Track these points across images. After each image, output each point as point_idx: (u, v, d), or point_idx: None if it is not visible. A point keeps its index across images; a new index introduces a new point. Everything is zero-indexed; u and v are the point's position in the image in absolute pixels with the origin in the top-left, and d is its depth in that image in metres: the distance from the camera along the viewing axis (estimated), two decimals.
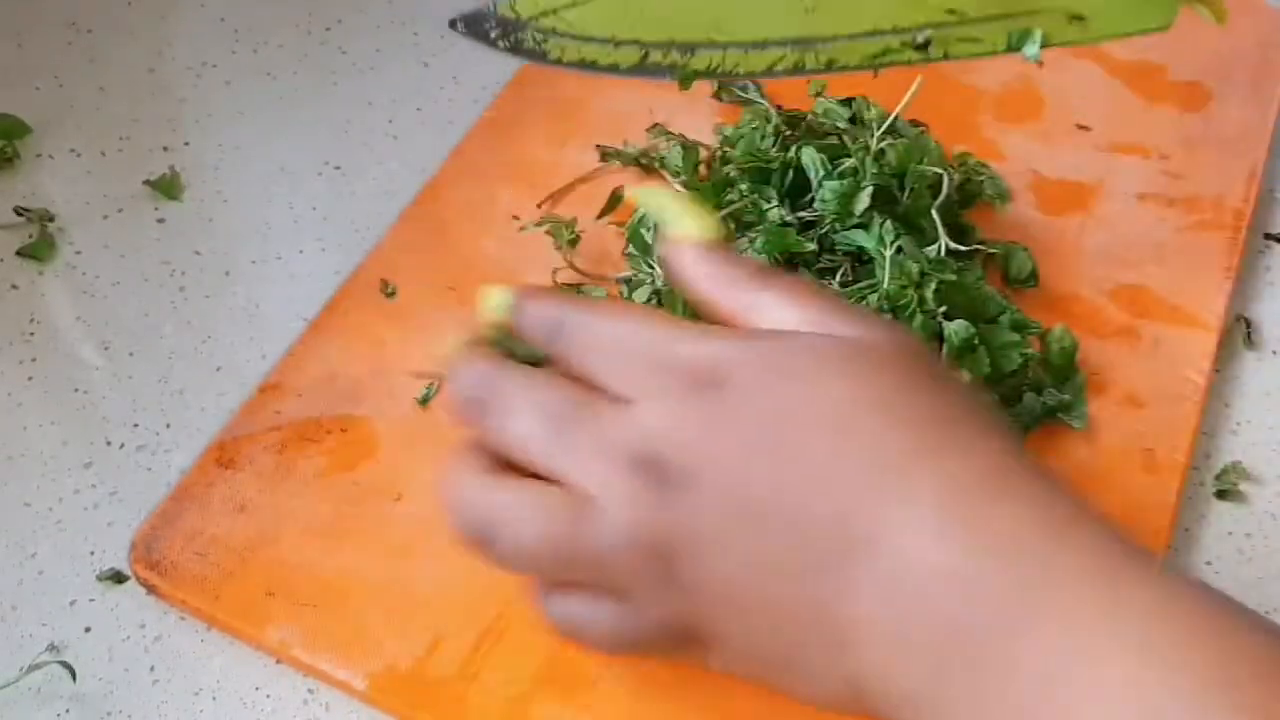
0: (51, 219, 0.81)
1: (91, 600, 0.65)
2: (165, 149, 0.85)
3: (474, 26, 0.66)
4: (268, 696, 0.63)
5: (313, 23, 0.94)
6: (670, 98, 0.85)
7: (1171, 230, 0.79)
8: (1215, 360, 0.73)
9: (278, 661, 0.63)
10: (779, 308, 0.53)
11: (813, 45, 0.67)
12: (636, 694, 0.60)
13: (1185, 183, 0.82)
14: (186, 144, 0.86)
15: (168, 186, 0.83)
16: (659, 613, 0.51)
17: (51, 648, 0.64)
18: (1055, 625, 0.43)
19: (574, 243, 0.76)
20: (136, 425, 0.72)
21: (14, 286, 0.78)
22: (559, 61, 0.67)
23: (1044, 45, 0.67)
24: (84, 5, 0.93)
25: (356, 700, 0.62)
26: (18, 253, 0.79)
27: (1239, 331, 0.77)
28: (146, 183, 0.83)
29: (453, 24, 0.67)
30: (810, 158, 0.74)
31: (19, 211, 0.81)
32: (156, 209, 0.82)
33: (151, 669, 0.63)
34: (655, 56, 0.67)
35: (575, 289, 0.75)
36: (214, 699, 0.62)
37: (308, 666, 0.62)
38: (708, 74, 0.68)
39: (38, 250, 0.79)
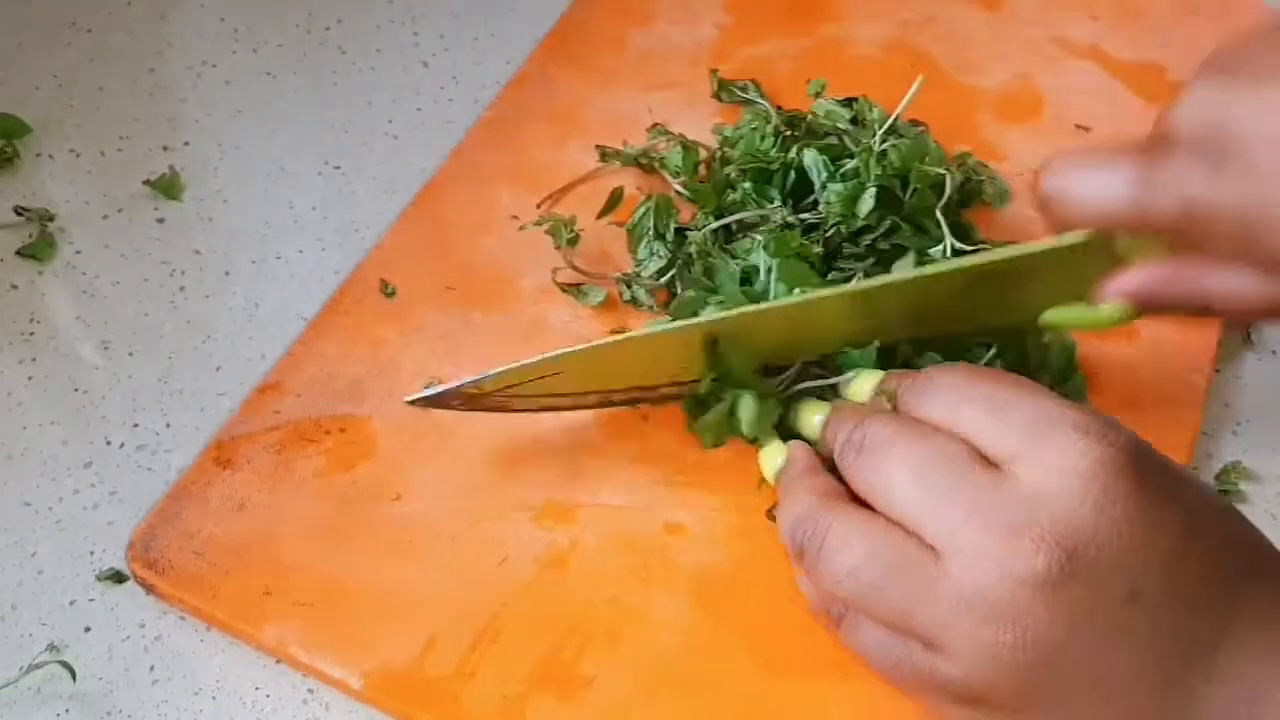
0: (51, 219, 0.81)
1: (91, 600, 0.65)
2: (165, 149, 0.85)
3: (434, 403, 0.67)
4: (268, 696, 0.63)
5: (313, 23, 0.94)
6: (670, 97, 0.86)
7: None
8: (1215, 360, 0.73)
9: (277, 661, 0.63)
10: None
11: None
12: (632, 694, 0.60)
13: None
14: (186, 144, 0.86)
15: (167, 186, 0.83)
16: (974, 676, 0.52)
17: (51, 647, 0.64)
18: None
19: (573, 242, 0.76)
20: (136, 425, 0.72)
21: (14, 286, 0.77)
22: (523, 410, 0.69)
23: None
24: (84, 5, 0.93)
25: (355, 700, 0.62)
26: (18, 252, 0.79)
27: (1239, 331, 0.77)
28: (146, 182, 0.83)
29: (412, 402, 0.67)
30: (813, 159, 0.74)
31: (19, 211, 0.80)
32: (156, 209, 0.82)
33: (151, 669, 0.63)
34: (618, 397, 0.70)
35: (575, 289, 0.75)
36: (214, 699, 0.62)
37: (304, 665, 0.62)
38: (667, 399, 0.71)
39: (38, 250, 0.79)
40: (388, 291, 0.76)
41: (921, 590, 0.52)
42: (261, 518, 0.67)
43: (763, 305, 0.68)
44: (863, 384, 0.65)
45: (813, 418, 0.65)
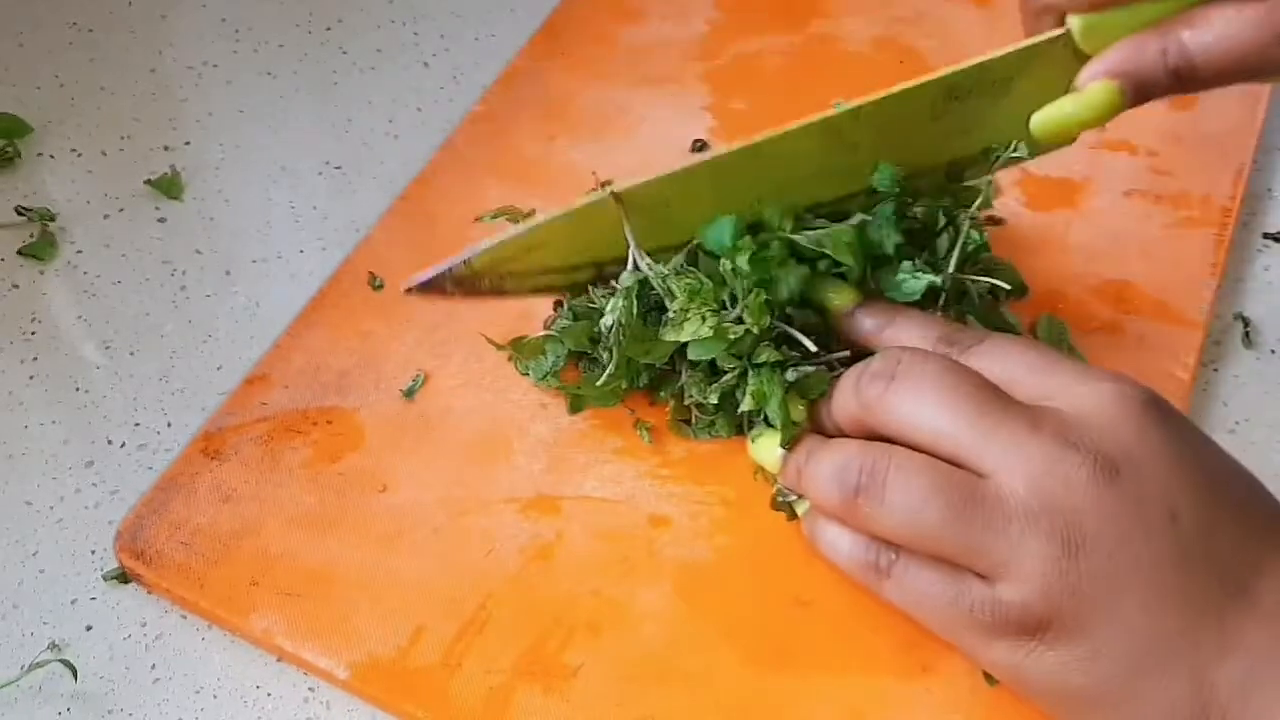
0: (52, 218, 0.81)
1: (93, 599, 0.66)
2: (166, 148, 0.86)
3: (429, 289, 0.67)
4: (268, 695, 0.63)
5: (313, 22, 0.94)
6: (660, 93, 0.86)
7: (1158, 227, 0.79)
8: (1200, 357, 0.74)
9: (278, 660, 0.64)
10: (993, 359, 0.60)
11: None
12: (616, 685, 0.61)
13: (1172, 180, 0.82)
14: (187, 143, 0.86)
15: (168, 186, 0.83)
16: (1035, 598, 0.53)
17: (53, 646, 0.64)
18: None
19: None
20: (138, 424, 0.72)
21: (15, 286, 0.78)
22: (518, 292, 0.68)
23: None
24: (85, 5, 0.94)
25: (355, 698, 0.63)
26: (19, 252, 0.80)
27: (1237, 330, 0.77)
28: (147, 182, 0.84)
29: (408, 290, 0.67)
30: None
31: (20, 211, 0.81)
32: (157, 208, 0.83)
33: (152, 667, 0.64)
34: (611, 268, 0.68)
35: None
36: (214, 697, 0.63)
37: (290, 655, 0.63)
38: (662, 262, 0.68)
39: (39, 249, 0.80)
40: (375, 284, 0.77)
41: (985, 517, 0.53)
42: (249, 508, 0.67)
43: (744, 141, 0.66)
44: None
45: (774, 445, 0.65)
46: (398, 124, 0.88)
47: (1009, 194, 0.81)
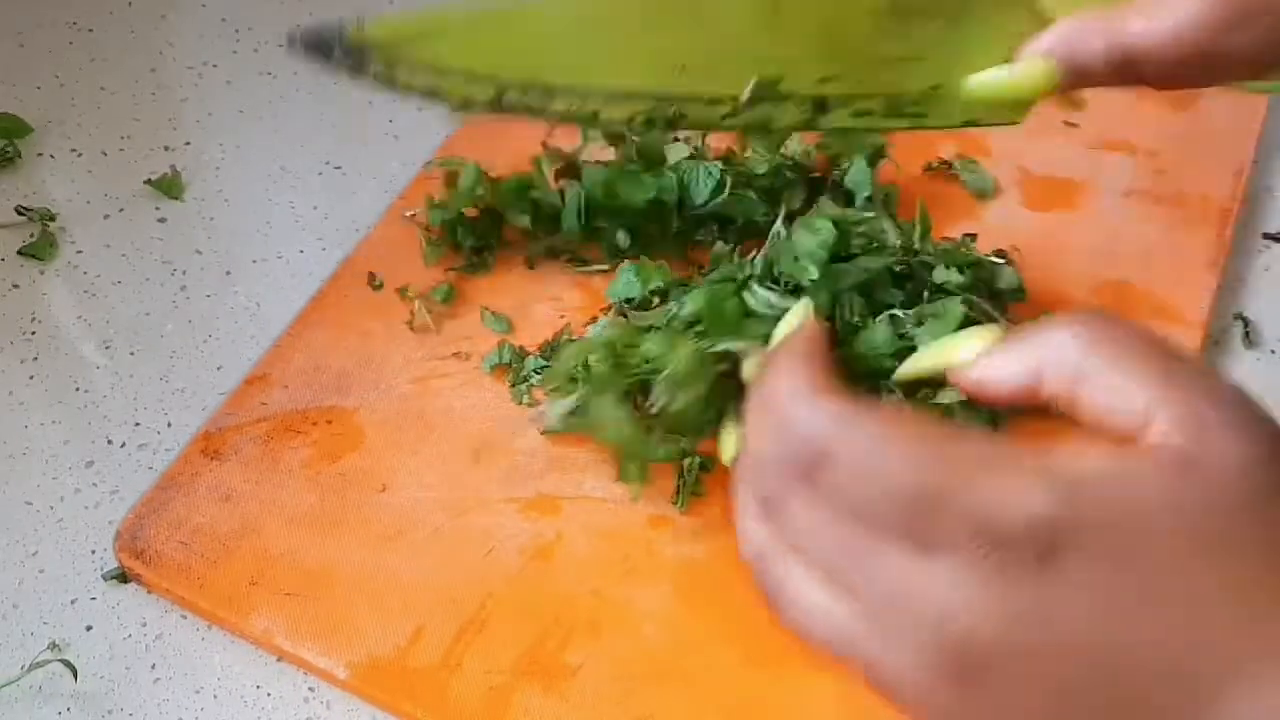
0: (53, 218, 0.82)
1: (93, 599, 0.66)
2: (166, 148, 0.86)
3: (314, 46, 0.61)
4: (268, 695, 0.63)
5: (313, 22, 0.94)
6: None
7: (1158, 227, 0.79)
8: (1200, 357, 0.74)
9: (278, 659, 0.64)
10: (1115, 380, 0.44)
11: (677, 103, 0.63)
12: (615, 684, 0.61)
13: (1172, 180, 0.82)
14: (187, 143, 0.86)
15: (169, 186, 0.83)
16: None
17: (53, 646, 0.64)
18: None
19: None
20: (138, 424, 0.73)
21: (15, 285, 0.78)
22: (408, 88, 0.65)
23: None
24: (85, 5, 0.94)
25: (355, 698, 0.63)
26: (19, 252, 0.80)
27: (1237, 330, 0.77)
28: (147, 182, 0.84)
29: (290, 41, 0.64)
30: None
31: (20, 211, 0.81)
32: (157, 208, 0.83)
33: (153, 667, 0.64)
34: (512, 95, 0.63)
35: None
36: (215, 697, 0.63)
37: (290, 655, 0.63)
38: (565, 118, 0.63)
39: (39, 249, 0.80)
40: (375, 284, 0.77)
41: (863, 662, 0.45)
42: (248, 508, 0.67)
43: None
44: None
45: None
46: (398, 124, 0.88)
47: (1009, 194, 0.81)
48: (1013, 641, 0.42)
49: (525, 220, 0.77)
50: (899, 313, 0.68)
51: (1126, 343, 0.44)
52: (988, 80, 0.61)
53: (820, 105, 0.64)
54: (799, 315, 0.56)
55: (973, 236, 0.76)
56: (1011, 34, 0.59)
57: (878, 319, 0.68)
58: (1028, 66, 0.58)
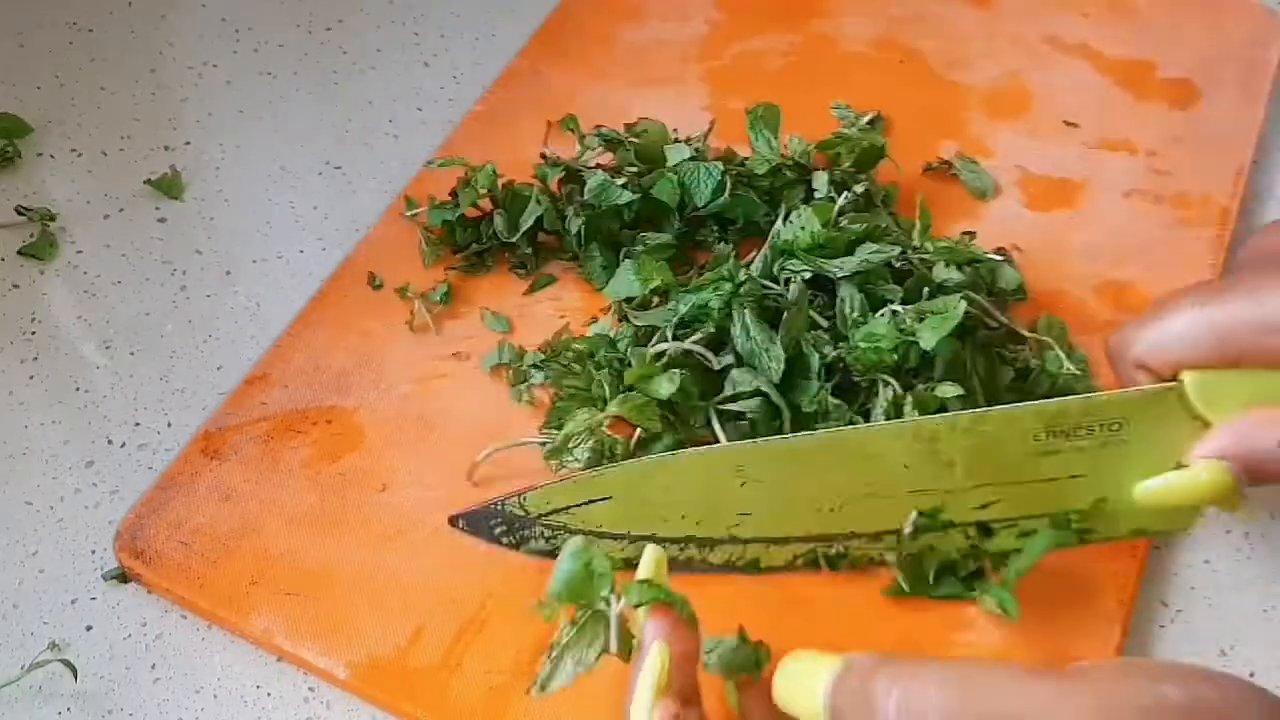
0: (53, 218, 0.81)
1: (93, 599, 0.66)
2: (166, 148, 0.86)
3: (476, 525, 0.65)
4: (269, 695, 0.63)
5: (313, 22, 0.94)
6: (660, 94, 0.86)
7: (1158, 227, 0.79)
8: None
9: (279, 659, 0.64)
10: None
11: (834, 541, 0.65)
12: (615, 685, 0.61)
13: (1173, 180, 0.82)
14: (187, 143, 0.86)
15: (169, 186, 0.83)
16: None
17: (53, 646, 0.64)
18: None
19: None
20: (138, 424, 0.72)
21: (15, 286, 0.78)
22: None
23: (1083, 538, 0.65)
24: (85, 5, 0.94)
25: (355, 698, 0.63)
26: (19, 252, 0.80)
27: None
28: (147, 182, 0.83)
29: (453, 521, 0.65)
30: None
31: (20, 211, 0.81)
32: (157, 208, 0.83)
33: (153, 667, 0.64)
34: (673, 551, 0.64)
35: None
36: (215, 697, 0.63)
37: (290, 655, 0.63)
38: (724, 568, 0.65)
39: (39, 249, 0.79)
40: (375, 284, 0.77)
41: None
42: (248, 508, 0.67)
43: (828, 430, 0.64)
44: None
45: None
46: (398, 124, 0.88)
47: (1009, 194, 0.81)
48: None
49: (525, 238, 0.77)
50: (898, 308, 0.68)
51: None
52: (1161, 487, 0.60)
53: (985, 529, 0.64)
54: (648, 566, 0.55)
55: (971, 234, 0.76)
56: (1171, 442, 0.59)
57: (878, 314, 0.68)
58: (1202, 473, 0.58)
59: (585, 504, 0.64)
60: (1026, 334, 0.71)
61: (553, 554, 0.61)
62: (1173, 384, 0.59)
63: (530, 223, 0.76)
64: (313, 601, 0.64)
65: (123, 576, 0.66)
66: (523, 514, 0.65)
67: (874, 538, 0.64)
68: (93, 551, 0.68)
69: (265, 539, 0.66)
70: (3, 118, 0.85)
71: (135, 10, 0.94)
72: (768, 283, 0.70)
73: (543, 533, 0.65)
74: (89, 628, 0.65)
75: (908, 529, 0.63)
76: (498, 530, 0.65)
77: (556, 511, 0.64)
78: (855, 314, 0.68)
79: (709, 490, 0.63)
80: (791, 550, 0.65)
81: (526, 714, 0.60)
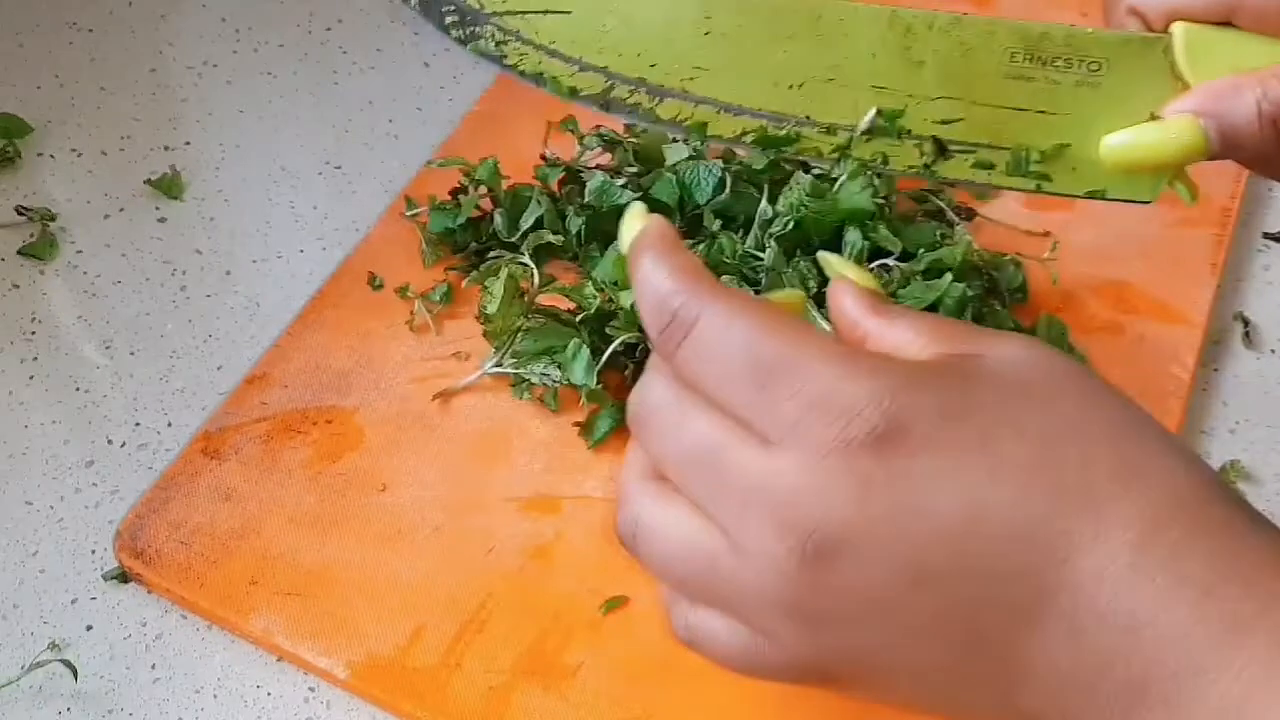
0: (53, 218, 0.81)
1: (93, 599, 0.66)
2: (166, 148, 0.86)
3: (429, 7, 0.61)
4: (269, 694, 0.63)
5: (314, 22, 0.94)
6: None
7: (1158, 227, 0.79)
8: (1201, 356, 0.74)
9: (278, 659, 0.64)
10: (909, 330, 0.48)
11: (789, 123, 0.62)
12: (616, 683, 0.61)
13: None
14: (187, 143, 0.86)
15: (169, 186, 0.83)
16: (798, 656, 0.47)
17: (53, 646, 0.64)
18: (1248, 671, 0.41)
19: None
20: (138, 424, 0.73)
21: (15, 285, 0.78)
22: (515, 69, 0.62)
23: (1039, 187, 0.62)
24: (85, 5, 0.94)
25: (355, 697, 0.63)
26: (19, 252, 0.80)
27: (1237, 330, 0.77)
28: (148, 182, 0.84)
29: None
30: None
31: (20, 211, 0.81)
32: (158, 208, 0.83)
33: (153, 667, 0.64)
34: (620, 92, 0.62)
35: None
36: (215, 697, 0.63)
37: (290, 655, 0.63)
38: (671, 124, 0.62)
39: (39, 249, 0.80)
40: (375, 284, 0.77)
41: (722, 582, 0.47)
42: (248, 508, 0.68)
43: None
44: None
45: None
46: (397, 124, 0.88)
47: (1009, 194, 0.81)
48: (865, 518, 0.43)
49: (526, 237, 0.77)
50: (890, 263, 0.67)
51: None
52: (1129, 139, 0.58)
53: (941, 149, 0.62)
54: (637, 217, 0.50)
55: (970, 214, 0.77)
56: (1150, 99, 0.57)
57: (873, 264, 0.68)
58: (1175, 126, 0.56)
59: (542, 13, 0.61)
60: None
61: (498, 60, 0.61)
62: (1162, 35, 0.57)
63: (530, 223, 0.76)
64: (312, 601, 0.64)
65: (123, 576, 0.67)
66: (477, 6, 0.61)
67: (827, 130, 0.61)
68: (93, 551, 0.68)
69: (265, 539, 0.66)
70: (3, 118, 0.86)
71: (135, 10, 0.94)
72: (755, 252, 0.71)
73: (493, 33, 0.61)
74: (89, 628, 0.65)
75: (863, 124, 0.61)
76: (449, 19, 0.61)
77: (513, 14, 0.61)
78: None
79: (670, 32, 0.60)
80: (742, 123, 0.62)
81: (526, 714, 0.60)
